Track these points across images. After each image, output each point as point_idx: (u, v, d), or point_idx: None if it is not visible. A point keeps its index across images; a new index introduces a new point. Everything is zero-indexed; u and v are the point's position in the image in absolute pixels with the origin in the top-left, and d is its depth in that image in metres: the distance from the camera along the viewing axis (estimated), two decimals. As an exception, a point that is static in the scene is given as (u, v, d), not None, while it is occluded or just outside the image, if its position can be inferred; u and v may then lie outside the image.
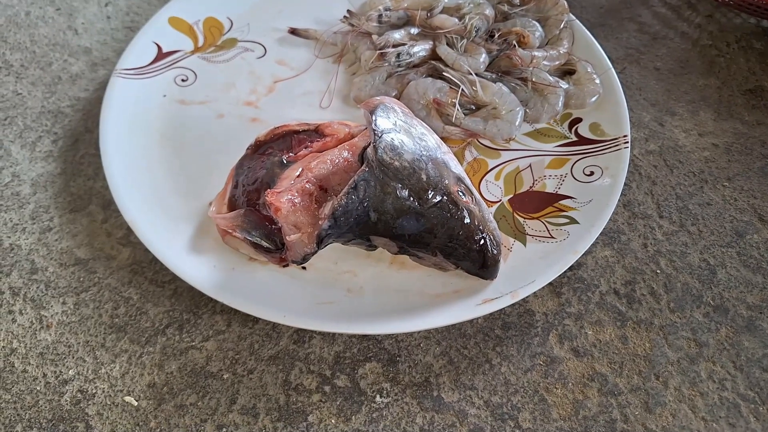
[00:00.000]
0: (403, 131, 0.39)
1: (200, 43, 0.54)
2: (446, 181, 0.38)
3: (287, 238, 0.37)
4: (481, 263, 0.38)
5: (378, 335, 0.39)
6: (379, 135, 0.37)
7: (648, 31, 0.58)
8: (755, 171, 0.48)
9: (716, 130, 0.51)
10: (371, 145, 0.37)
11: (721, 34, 0.58)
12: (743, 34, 0.58)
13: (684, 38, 0.58)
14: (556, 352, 0.39)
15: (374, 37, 0.52)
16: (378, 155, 0.37)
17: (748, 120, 0.52)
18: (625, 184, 0.45)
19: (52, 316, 0.40)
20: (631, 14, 0.60)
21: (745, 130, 0.51)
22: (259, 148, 0.44)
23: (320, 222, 0.36)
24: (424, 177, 0.37)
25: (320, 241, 0.36)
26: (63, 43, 0.56)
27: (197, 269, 0.39)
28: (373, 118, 0.38)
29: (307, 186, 0.39)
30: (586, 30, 0.53)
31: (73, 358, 0.38)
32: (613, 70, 0.50)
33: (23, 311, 0.40)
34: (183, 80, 0.51)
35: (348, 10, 0.55)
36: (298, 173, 0.40)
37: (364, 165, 0.37)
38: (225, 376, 0.37)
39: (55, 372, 0.38)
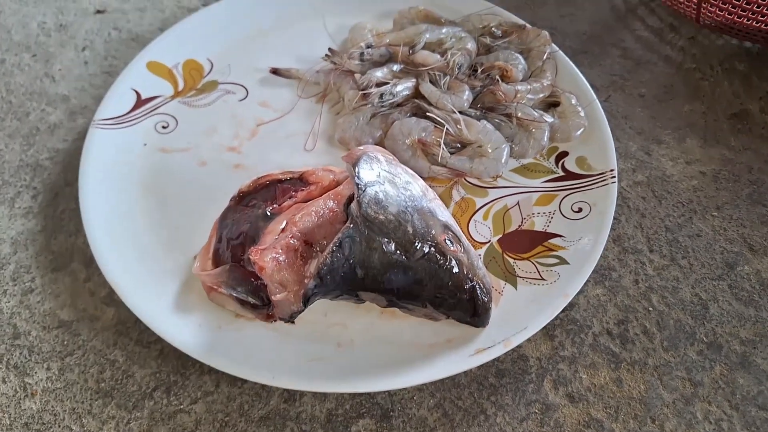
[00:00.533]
0: (387, 182, 0.39)
1: (180, 87, 0.53)
2: (433, 231, 0.38)
3: (273, 297, 0.37)
4: (472, 312, 0.38)
5: (371, 392, 0.38)
6: (363, 189, 0.37)
7: (631, 57, 0.59)
8: (743, 199, 0.48)
9: (703, 158, 0.51)
10: (355, 199, 0.37)
11: (705, 57, 0.59)
12: (726, 56, 0.59)
13: (668, 62, 0.58)
14: (551, 399, 0.39)
15: (357, 75, 0.52)
16: (362, 210, 0.36)
17: (734, 145, 0.52)
18: (614, 217, 0.45)
19: (36, 383, 0.39)
20: (614, 39, 0.60)
21: (731, 156, 0.51)
22: (242, 199, 0.44)
23: (306, 281, 0.36)
24: (410, 229, 0.37)
25: (307, 300, 0.36)
26: (40, 92, 0.56)
27: (182, 329, 0.39)
28: (356, 170, 0.38)
29: (291, 242, 0.38)
30: (569, 60, 0.53)
31: (60, 426, 0.38)
32: (597, 101, 0.50)
33: (6, 379, 0.40)
34: (164, 127, 0.51)
35: (329, 48, 0.54)
36: (282, 227, 0.40)
37: (349, 221, 0.37)
38: (215, 440, 0.37)
39: (41, 443, 0.37)
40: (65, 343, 0.41)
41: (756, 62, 0.58)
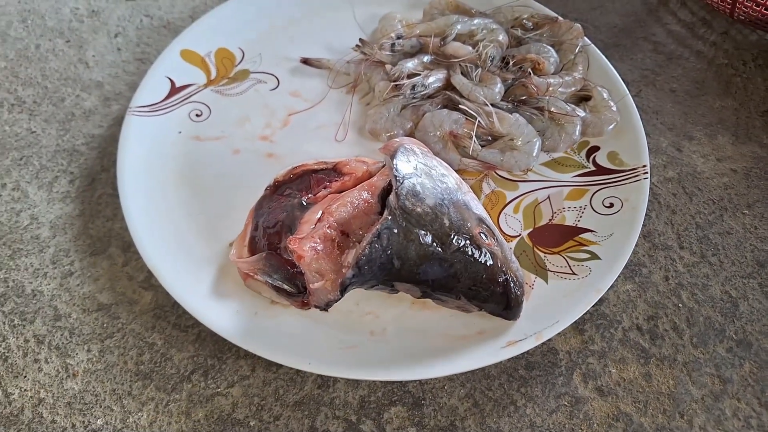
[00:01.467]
0: (423, 174, 0.39)
1: (213, 75, 0.54)
2: (468, 224, 0.39)
3: (311, 285, 0.38)
4: (505, 305, 0.39)
5: (403, 380, 0.39)
6: (401, 181, 0.38)
7: (663, 51, 0.58)
8: (775, 197, 0.48)
9: (735, 155, 0.51)
10: (393, 191, 0.37)
11: (737, 52, 0.58)
12: (760, 51, 0.58)
13: (699, 57, 0.58)
14: (581, 392, 0.39)
15: (388, 66, 0.52)
16: (400, 202, 0.37)
17: (766, 143, 0.52)
18: (645, 214, 0.45)
19: (77, 364, 0.40)
20: (645, 33, 0.60)
21: (764, 154, 0.51)
22: (278, 188, 0.44)
23: (344, 270, 0.37)
24: (446, 222, 0.38)
25: (344, 289, 0.37)
26: (74, 77, 0.56)
27: (220, 315, 0.40)
28: (394, 163, 0.39)
29: (328, 231, 0.39)
30: (601, 54, 0.53)
31: (101, 407, 0.39)
32: (629, 96, 0.50)
33: (49, 360, 0.41)
34: (197, 115, 0.51)
35: (360, 39, 0.55)
36: (318, 216, 0.40)
37: (387, 212, 0.37)
38: (251, 423, 0.38)
39: (84, 422, 0.38)
40: (105, 325, 0.42)
41: (790, 58, 0.58)
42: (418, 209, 0.37)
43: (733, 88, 0.56)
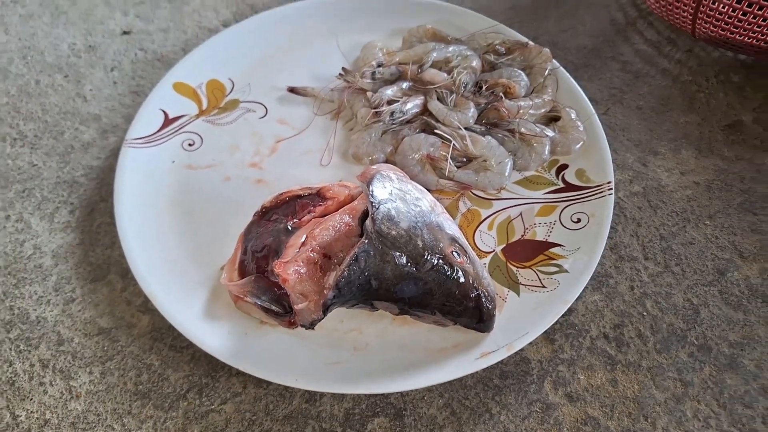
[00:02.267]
0: (398, 199, 0.42)
1: (204, 106, 0.56)
2: (441, 244, 0.41)
3: (295, 306, 0.40)
4: (478, 318, 0.41)
5: (385, 393, 0.41)
6: (376, 206, 0.40)
7: (630, 70, 0.61)
8: (735, 207, 0.51)
9: (697, 168, 0.53)
10: (369, 216, 0.40)
11: (701, 69, 0.61)
12: (722, 68, 0.61)
13: (665, 75, 0.60)
14: (551, 399, 0.41)
15: (369, 93, 0.54)
16: (376, 226, 0.39)
17: (728, 156, 0.54)
18: (611, 227, 0.48)
19: (80, 386, 0.43)
20: (613, 53, 0.62)
21: (725, 167, 0.53)
22: (265, 214, 0.47)
23: (325, 291, 0.39)
24: (420, 243, 0.40)
25: (326, 309, 0.39)
26: (73, 111, 0.59)
27: (212, 335, 0.42)
28: (370, 189, 0.41)
29: (311, 255, 0.41)
30: (569, 76, 0.55)
31: (103, 426, 0.41)
32: (596, 116, 0.52)
33: (53, 382, 0.43)
34: (190, 144, 0.54)
35: (343, 68, 0.57)
36: (302, 240, 0.43)
37: (364, 237, 0.39)
38: (244, 437, 0.40)
39: (87, 440, 0.40)
40: (105, 348, 0.44)
41: (750, 74, 0.60)
42: (393, 232, 0.39)
43: (697, 104, 0.58)
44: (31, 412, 0.42)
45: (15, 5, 0.69)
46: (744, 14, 0.53)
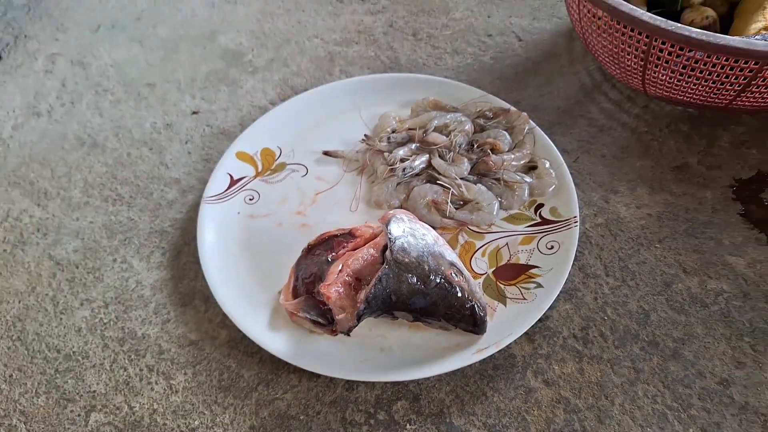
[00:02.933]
0: (410, 235, 0.55)
1: (260, 168, 0.72)
2: (442, 268, 0.54)
3: (336, 317, 0.53)
4: (473, 323, 0.54)
5: (405, 381, 0.54)
6: (393, 241, 0.54)
7: (596, 125, 0.74)
8: (680, 233, 0.63)
9: (650, 202, 0.66)
10: (388, 248, 0.54)
11: (655, 121, 0.74)
12: (672, 119, 0.74)
13: (625, 128, 0.74)
14: (532, 384, 0.53)
15: (385, 154, 0.69)
16: (394, 256, 0.53)
17: (675, 192, 0.66)
18: (579, 252, 0.60)
19: (178, 383, 0.56)
20: (582, 111, 0.76)
21: (672, 200, 0.66)
22: (310, 250, 0.61)
23: (358, 305, 0.52)
24: (426, 267, 0.53)
25: (359, 318, 0.52)
26: (158, 176, 0.75)
27: (275, 342, 0.55)
28: (388, 229, 0.55)
29: (347, 279, 0.55)
30: (543, 134, 0.69)
31: (196, 412, 0.54)
32: (565, 165, 0.65)
33: (158, 382, 0.57)
34: (250, 199, 0.69)
35: (365, 134, 0.72)
36: (339, 268, 0.56)
37: (385, 263, 0.53)
38: (301, 417, 0.53)
39: (186, 423, 0.54)
40: (195, 355, 0.58)
41: (696, 123, 0.73)
42: (406, 260, 0.53)
43: (651, 150, 0.71)
44: (143, 404, 0.56)
45: (106, 93, 0.87)
46: (679, 80, 0.66)
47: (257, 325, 0.57)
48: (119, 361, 0.58)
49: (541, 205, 0.64)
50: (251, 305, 0.59)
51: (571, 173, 0.64)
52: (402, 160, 0.68)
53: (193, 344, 0.59)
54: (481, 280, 0.60)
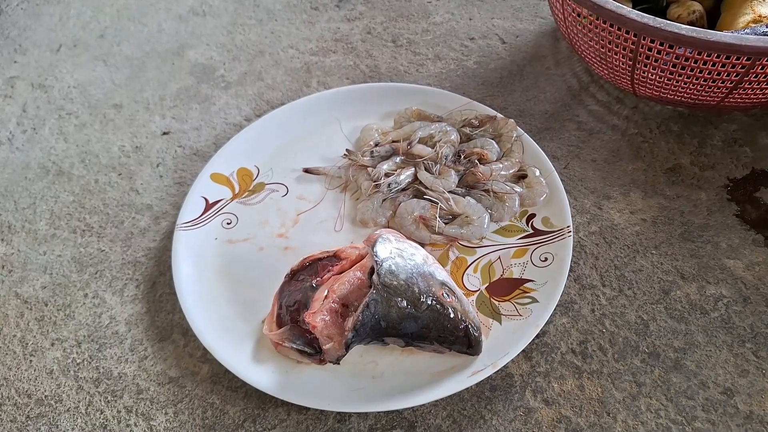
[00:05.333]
0: (397, 256, 0.56)
1: (237, 190, 0.72)
2: (433, 288, 0.55)
3: (323, 347, 0.54)
4: (467, 345, 0.54)
5: (399, 409, 0.54)
6: (380, 264, 0.54)
7: (585, 128, 0.76)
8: (676, 237, 0.64)
9: (644, 207, 0.67)
10: (375, 271, 0.54)
11: (645, 122, 0.75)
12: (662, 119, 0.75)
13: (615, 130, 0.75)
14: (532, 404, 0.54)
15: (369, 169, 0.70)
16: (381, 279, 0.53)
17: (669, 195, 0.68)
18: (574, 262, 0.61)
19: (159, 424, 0.56)
20: (570, 115, 0.77)
21: (667, 204, 0.67)
22: (294, 276, 0.61)
23: (346, 333, 0.53)
24: (416, 289, 0.54)
25: (348, 347, 0.53)
26: (129, 203, 0.75)
27: (260, 375, 0.56)
28: (374, 250, 0.56)
29: (333, 305, 0.55)
30: (532, 140, 0.70)
31: (180, 453, 0.54)
32: (556, 173, 0.67)
33: (137, 424, 0.57)
34: (228, 224, 0.69)
35: (347, 149, 0.73)
36: (325, 294, 0.57)
37: (372, 288, 0.53)
38: (291, 453, 0.53)
39: (170, 465, 0.54)
40: (176, 393, 0.58)
41: (687, 122, 0.75)
42: (395, 283, 0.54)
43: (642, 153, 0.73)
44: (123, 448, 0.55)
45: (70, 117, 0.87)
46: (669, 79, 0.68)
47: (241, 359, 0.57)
48: (95, 403, 0.58)
49: (532, 216, 0.66)
50: (233, 337, 0.59)
51: (561, 180, 0.66)
52: (387, 175, 0.69)
53: (173, 381, 0.59)
54: (474, 297, 0.60)
